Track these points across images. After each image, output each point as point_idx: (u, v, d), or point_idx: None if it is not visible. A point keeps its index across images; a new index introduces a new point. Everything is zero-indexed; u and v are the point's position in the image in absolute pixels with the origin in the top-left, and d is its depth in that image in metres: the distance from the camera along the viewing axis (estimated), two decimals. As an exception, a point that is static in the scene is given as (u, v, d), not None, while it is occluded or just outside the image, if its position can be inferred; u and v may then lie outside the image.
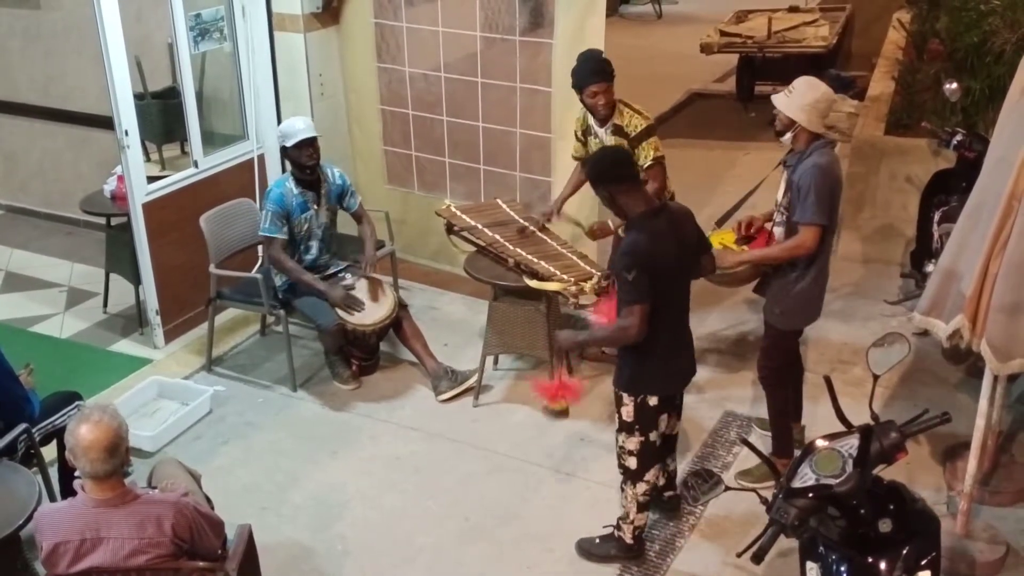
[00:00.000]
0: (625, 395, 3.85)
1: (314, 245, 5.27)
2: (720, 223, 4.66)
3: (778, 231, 4.22)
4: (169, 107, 6.09)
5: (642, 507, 4.00)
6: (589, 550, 4.12)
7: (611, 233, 4.92)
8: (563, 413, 4.96)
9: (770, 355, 4.37)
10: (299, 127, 5.06)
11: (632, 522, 4.02)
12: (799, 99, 3.99)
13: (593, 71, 4.73)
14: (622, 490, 4.02)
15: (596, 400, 5.09)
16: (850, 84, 9.15)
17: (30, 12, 6.81)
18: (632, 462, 3.92)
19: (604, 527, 4.14)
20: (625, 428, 3.89)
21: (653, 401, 3.83)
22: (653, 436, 3.90)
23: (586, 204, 5.48)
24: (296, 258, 5.22)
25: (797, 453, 3.14)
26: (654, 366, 3.79)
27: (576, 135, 5.03)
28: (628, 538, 4.05)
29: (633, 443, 3.89)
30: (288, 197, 5.10)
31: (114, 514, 3.02)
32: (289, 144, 5.04)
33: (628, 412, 3.85)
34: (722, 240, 4.48)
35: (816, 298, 4.24)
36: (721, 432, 4.88)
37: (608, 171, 3.75)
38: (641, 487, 3.95)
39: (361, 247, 5.40)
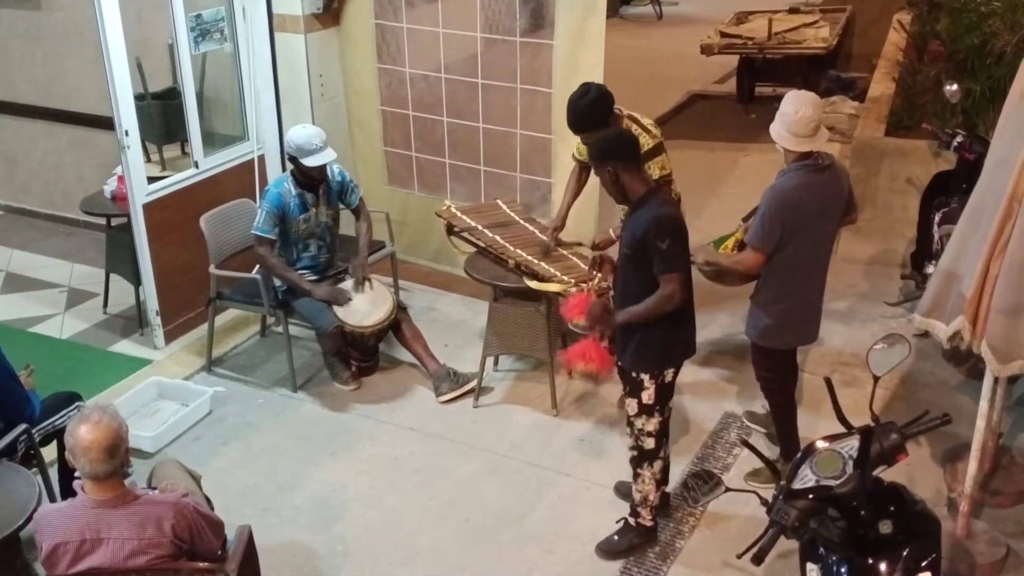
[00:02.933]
0: (647, 378, 3.87)
1: (313, 245, 5.26)
2: (747, 219, 4.63)
3: None
4: (169, 108, 6.09)
5: (658, 484, 4.07)
6: (611, 549, 4.13)
7: (614, 243, 4.89)
8: (590, 377, 4.51)
9: (758, 364, 4.39)
10: (316, 144, 4.96)
11: (651, 504, 4.07)
12: (778, 121, 3.97)
13: (571, 122, 4.57)
14: (636, 476, 4.04)
15: (596, 401, 5.09)
16: (850, 85, 9.17)
17: (30, 13, 6.80)
18: (650, 443, 3.97)
19: (617, 521, 4.16)
20: (646, 411, 3.92)
21: (669, 377, 3.90)
22: (666, 412, 3.99)
23: (586, 213, 5.47)
24: (295, 257, 5.23)
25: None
26: (683, 331, 3.88)
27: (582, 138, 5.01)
28: (648, 520, 4.10)
29: (653, 424, 3.94)
30: (286, 197, 5.08)
31: (114, 515, 3.02)
32: (305, 163, 4.99)
33: (650, 395, 3.89)
34: (737, 237, 4.50)
35: (796, 322, 4.19)
36: (721, 433, 4.88)
37: (617, 148, 3.76)
38: (657, 464, 4.03)
39: (356, 248, 5.39)
